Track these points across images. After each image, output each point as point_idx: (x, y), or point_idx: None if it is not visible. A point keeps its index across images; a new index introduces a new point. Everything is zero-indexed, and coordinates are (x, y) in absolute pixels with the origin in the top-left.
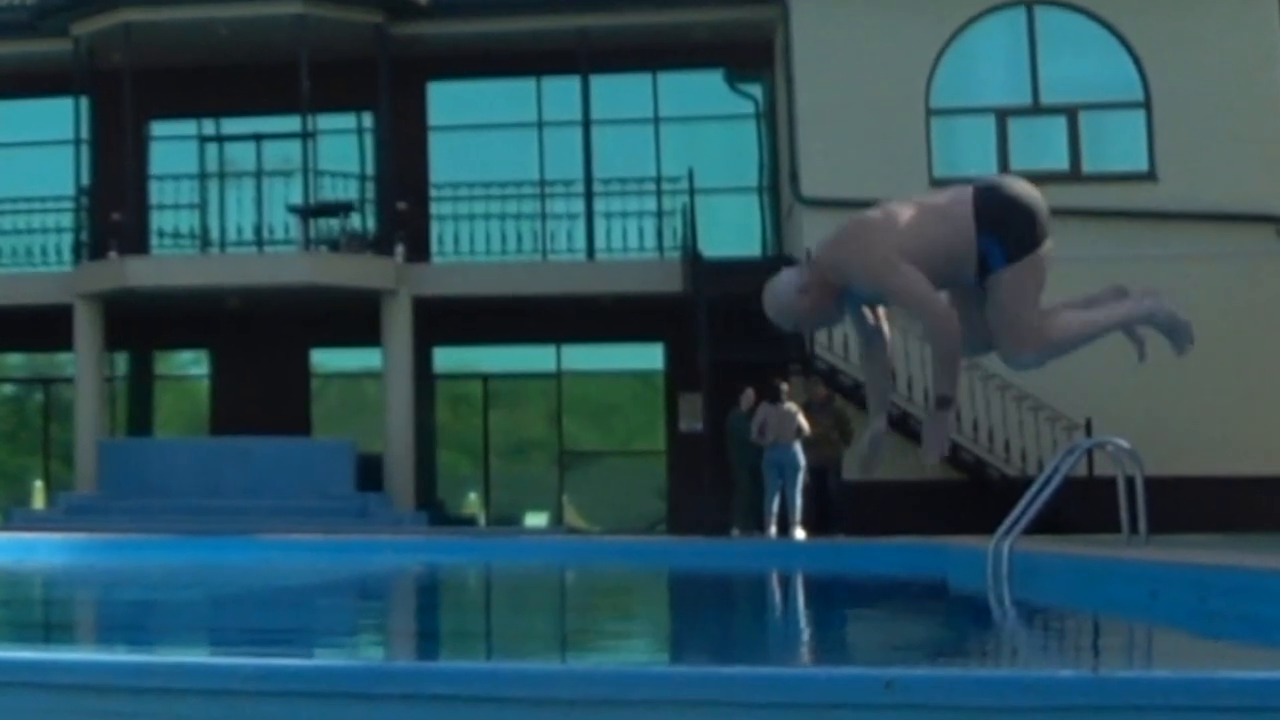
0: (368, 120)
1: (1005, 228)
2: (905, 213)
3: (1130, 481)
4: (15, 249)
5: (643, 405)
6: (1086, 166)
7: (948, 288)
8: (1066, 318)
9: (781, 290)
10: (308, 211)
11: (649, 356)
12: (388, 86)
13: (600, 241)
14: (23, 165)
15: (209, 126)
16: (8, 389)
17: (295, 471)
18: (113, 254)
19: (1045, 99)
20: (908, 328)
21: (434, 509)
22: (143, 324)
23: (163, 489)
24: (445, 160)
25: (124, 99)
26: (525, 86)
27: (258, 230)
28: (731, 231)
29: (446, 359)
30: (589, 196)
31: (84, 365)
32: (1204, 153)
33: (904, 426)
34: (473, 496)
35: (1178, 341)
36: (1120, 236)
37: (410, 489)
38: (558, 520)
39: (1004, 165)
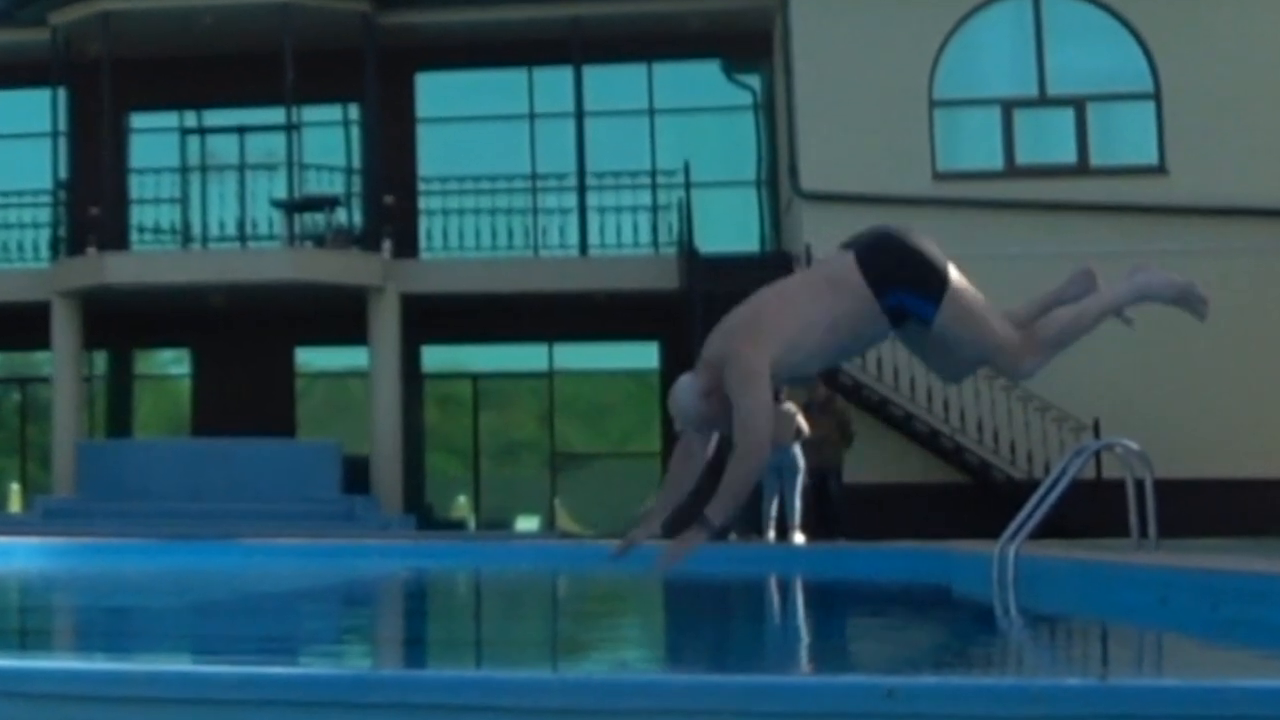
0: (354, 112)
1: (908, 280)
2: (789, 306)
3: (1140, 484)
4: None
5: (637, 405)
6: (1094, 159)
7: (857, 352)
8: (1055, 316)
9: (683, 396)
10: (292, 206)
11: (644, 355)
12: (375, 77)
13: (594, 237)
14: None
15: (190, 118)
16: None
17: (279, 474)
18: (91, 250)
19: (1052, 90)
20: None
21: (422, 512)
22: (122, 322)
23: (143, 492)
24: (434, 153)
25: (103, 90)
26: (516, 77)
27: (240, 225)
28: (728, 226)
29: (435, 358)
30: (582, 191)
31: (62, 364)
32: (1216, 145)
33: (906, 428)
34: (462, 499)
35: (1193, 309)
36: (1129, 231)
37: (398, 492)
38: (550, 524)
39: (1010, 158)
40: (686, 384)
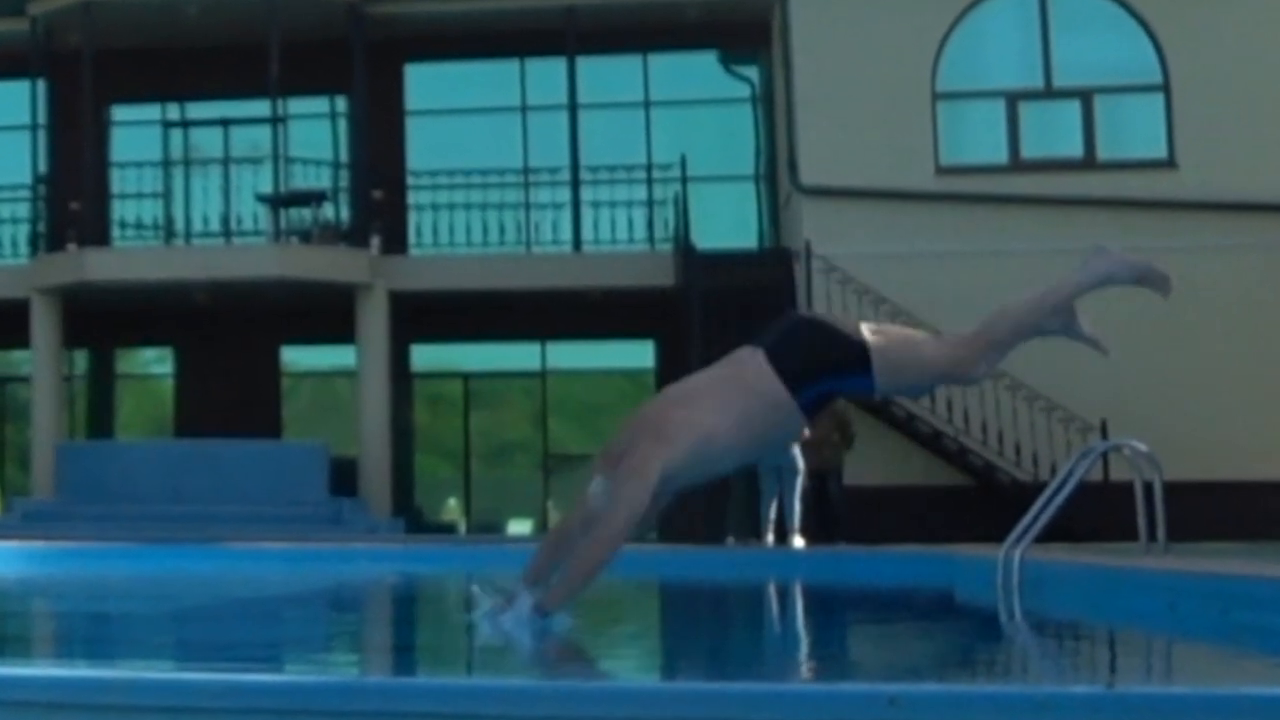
0: (341, 104)
1: (829, 369)
2: (698, 406)
3: (1148, 486)
4: None
5: (632, 406)
6: (1102, 153)
7: (770, 454)
8: (1008, 310)
9: (600, 503)
10: (278, 201)
11: (639, 354)
12: (363, 68)
13: (587, 233)
14: None
15: (173, 111)
16: None
17: (264, 476)
18: (71, 246)
19: (1059, 82)
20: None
21: (411, 516)
22: (103, 320)
23: (125, 494)
24: (423, 147)
25: (83, 82)
26: (508, 68)
27: (225, 221)
28: (726, 222)
29: (425, 357)
30: (575, 185)
31: (41, 363)
32: (1226, 138)
33: (908, 429)
34: (452, 502)
35: (1155, 287)
36: (1137, 227)
37: (386, 494)
38: (542, 527)
39: (1015, 152)
40: (600, 489)
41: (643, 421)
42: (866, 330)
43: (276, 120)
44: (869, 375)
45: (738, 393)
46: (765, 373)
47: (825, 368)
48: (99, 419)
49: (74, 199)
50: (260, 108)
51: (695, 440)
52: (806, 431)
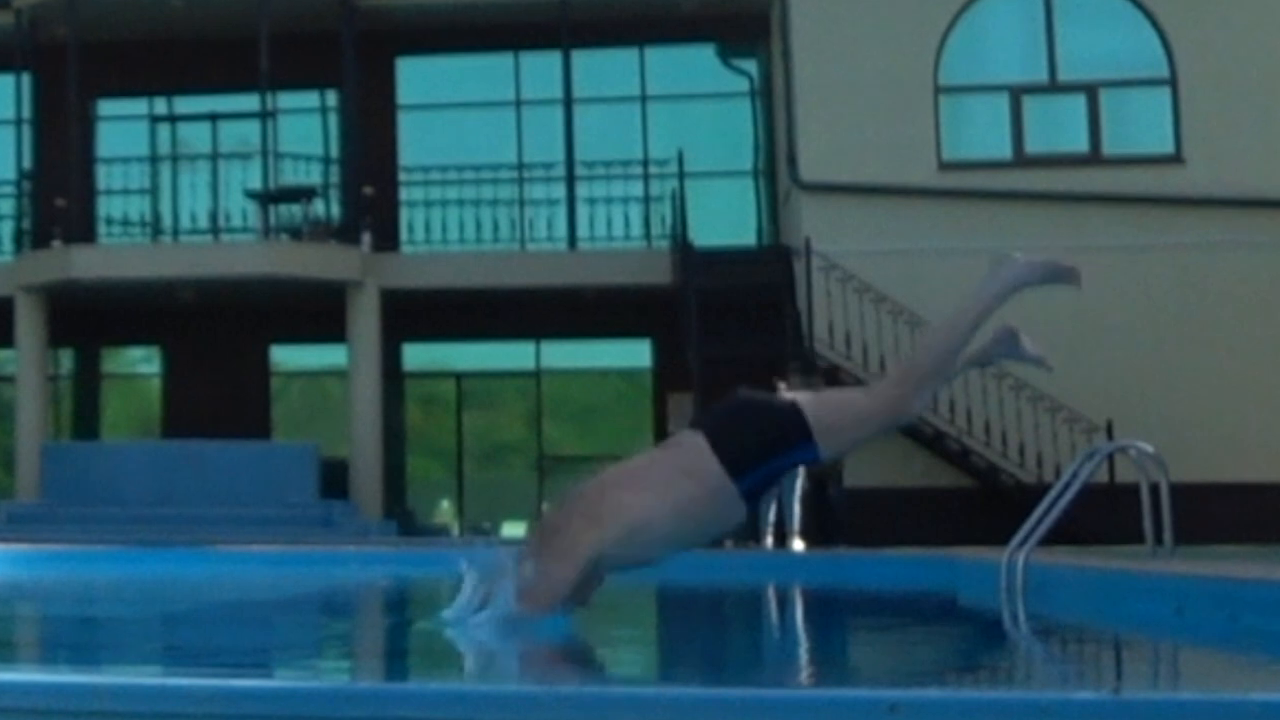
0: (332, 99)
1: (771, 449)
2: (635, 489)
3: (1154, 488)
4: None
5: (629, 406)
6: (1107, 148)
7: (705, 542)
8: (926, 344)
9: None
10: (267, 197)
11: (635, 353)
12: (353, 62)
13: (583, 229)
14: None
15: (161, 105)
16: None
17: (253, 478)
18: (57, 243)
19: (1063, 76)
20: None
21: (403, 518)
22: (89, 318)
23: (111, 496)
24: (415, 142)
25: (69, 75)
26: (502, 62)
27: (213, 217)
28: (724, 219)
29: (417, 356)
30: (570, 181)
31: (26, 363)
32: (1234, 133)
33: (910, 429)
34: (445, 504)
35: (1067, 282)
36: (1144, 223)
37: (378, 496)
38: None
39: (1019, 147)
40: (530, 572)
41: (579, 501)
42: (801, 397)
43: (266, 115)
44: (811, 444)
45: (677, 478)
46: (706, 458)
47: (767, 448)
48: (85, 419)
49: (59, 195)
50: (249, 102)
51: (629, 525)
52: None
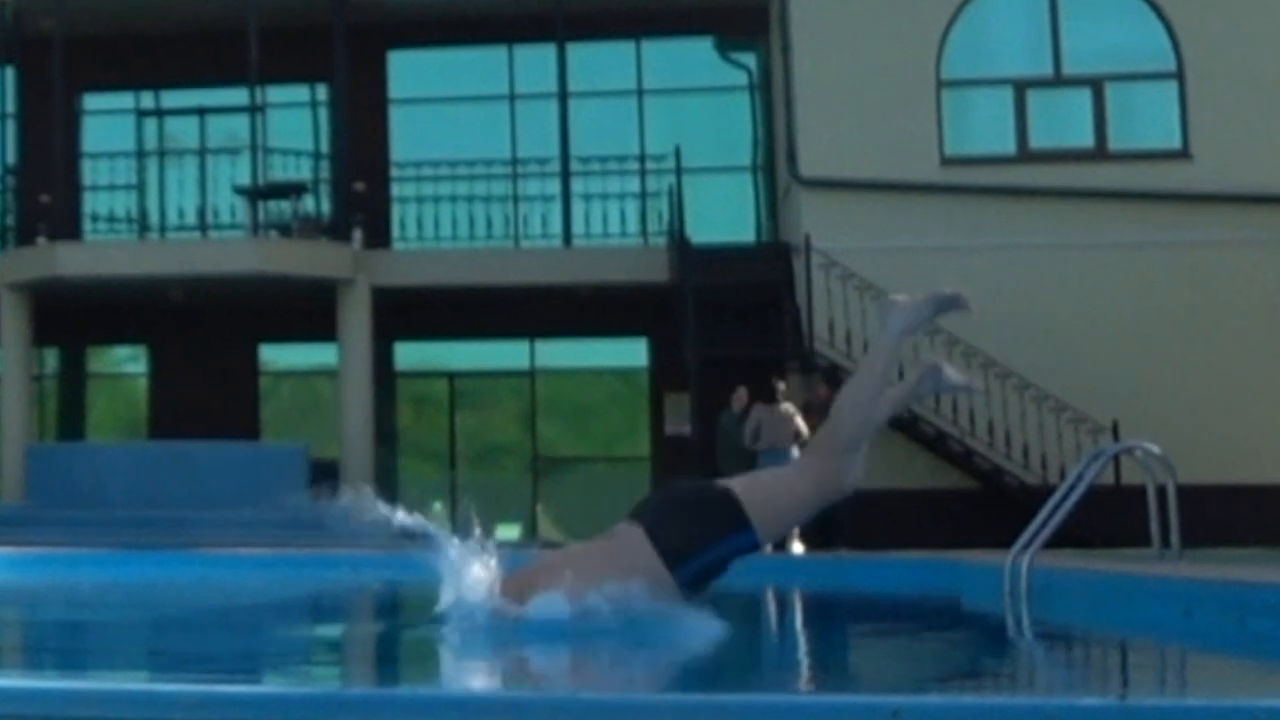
0: (322, 92)
1: (710, 539)
2: (574, 578)
3: (1162, 490)
4: None
5: (625, 406)
6: (1113, 143)
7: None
8: (839, 415)
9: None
10: (256, 193)
11: (632, 353)
12: (344, 55)
13: (578, 226)
14: None
15: (148, 99)
16: None
17: (242, 479)
18: (41, 240)
19: (1068, 69)
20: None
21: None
22: (75, 317)
23: (97, 498)
24: (407, 137)
25: (54, 68)
26: (496, 55)
27: (201, 214)
28: (722, 215)
29: (409, 355)
30: (566, 177)
31: (10, 362)
32: (1243, 128)
33: (913, 430)
34: (438, 507)
35: (958, 308)
36: (1150, 220)
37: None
38: (531, 533)
39: (1023, 142)
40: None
41: (517, 582)
42: (735, 482)
43: (255, 109)
44: (750, 530)
45: (613, 570)
46: (644, 550)
47: (704, 538)
48: (70, 420)
49: (44, 191)
50: (238, 96)
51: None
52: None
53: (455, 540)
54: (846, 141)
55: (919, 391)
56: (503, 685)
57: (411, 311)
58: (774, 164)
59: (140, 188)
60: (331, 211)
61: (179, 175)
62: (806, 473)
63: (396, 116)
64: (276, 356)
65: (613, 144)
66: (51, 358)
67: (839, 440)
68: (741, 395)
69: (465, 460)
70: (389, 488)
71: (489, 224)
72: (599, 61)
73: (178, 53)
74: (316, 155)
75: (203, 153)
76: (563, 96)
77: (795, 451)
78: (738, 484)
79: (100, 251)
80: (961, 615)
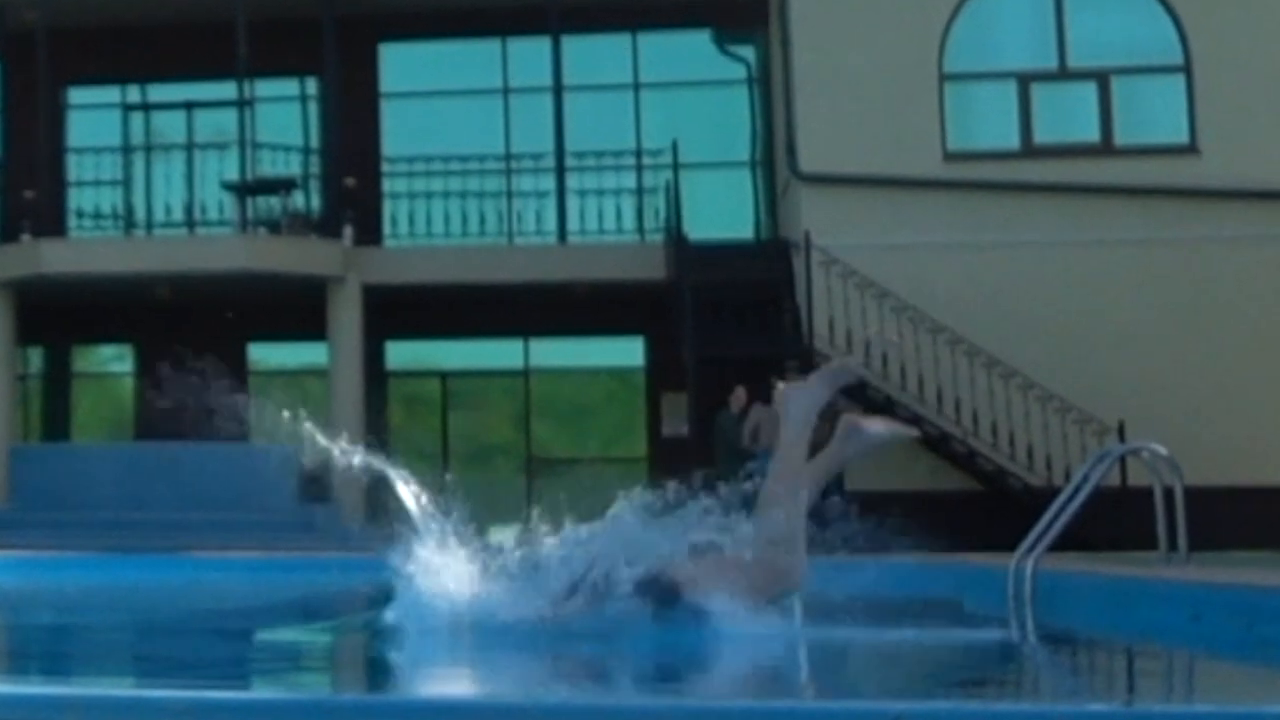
0: (312, 86)
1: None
2: None
3: (1169, 492)
4: None
5: (621, 406)
6: (1119, 138)
7: None
8: (770, 516)
9: None
10: (245, 189)
11: (628, 352)
12: (334, 48)
13: (573, 223)
14: None
15: (134, 93)
16: None
17: (231, 481)
18: (26, 236)
19: (1073, 62)
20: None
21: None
22: (59, 315)
23: (82, 500)
24: (399, 131)
25: (39, 62)
26: (489, 48)
27: (188, 210)
28: (720, 211)
29: (400, 354)
30: (560, 172)
31: None
32: (1251, 122)
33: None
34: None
35: (850, 379)
36: (1157, 216)
37: (360, 500)
38: (525, 535)
39: (1027, 137)
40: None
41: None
42: (685, 580)
43: (243, 103)
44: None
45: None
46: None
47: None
48: (55, 420)
49: (28, 187)
50: (226, 90)
51: None
52: None
53: (447, 537)
54: (847, 136)
55: (846, 455)
56: (501, 686)
57: (403, 310)
58: (773, 159)
59: (126, 183)
60: (321, 207)
61: (166, 171)
62: (756, 574)
63: (387, 111)
64: (265, 355)
65: (608, 139)
66: (36, 357)
67: (775, 537)
68: (740, 395)
69: (458, 460)
70: (379, 490)
71: (482, 220)
72: (594, 54)
73: (165, 46)
74: (306, 150)
75: (190, 148)
76: (557, 90)
77: None
78: (687, 581)
79: (85, 248)
80: (965, 618)
